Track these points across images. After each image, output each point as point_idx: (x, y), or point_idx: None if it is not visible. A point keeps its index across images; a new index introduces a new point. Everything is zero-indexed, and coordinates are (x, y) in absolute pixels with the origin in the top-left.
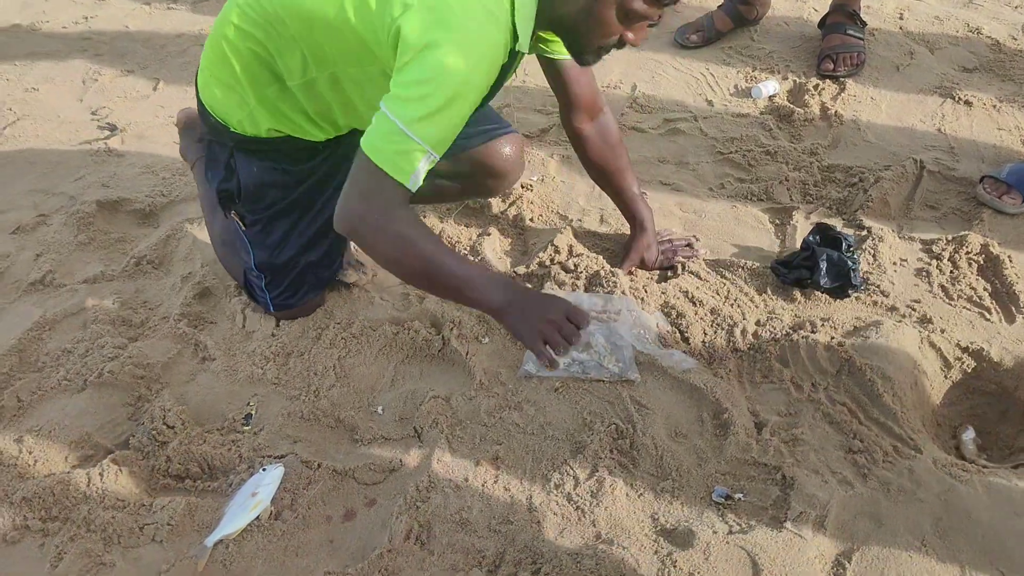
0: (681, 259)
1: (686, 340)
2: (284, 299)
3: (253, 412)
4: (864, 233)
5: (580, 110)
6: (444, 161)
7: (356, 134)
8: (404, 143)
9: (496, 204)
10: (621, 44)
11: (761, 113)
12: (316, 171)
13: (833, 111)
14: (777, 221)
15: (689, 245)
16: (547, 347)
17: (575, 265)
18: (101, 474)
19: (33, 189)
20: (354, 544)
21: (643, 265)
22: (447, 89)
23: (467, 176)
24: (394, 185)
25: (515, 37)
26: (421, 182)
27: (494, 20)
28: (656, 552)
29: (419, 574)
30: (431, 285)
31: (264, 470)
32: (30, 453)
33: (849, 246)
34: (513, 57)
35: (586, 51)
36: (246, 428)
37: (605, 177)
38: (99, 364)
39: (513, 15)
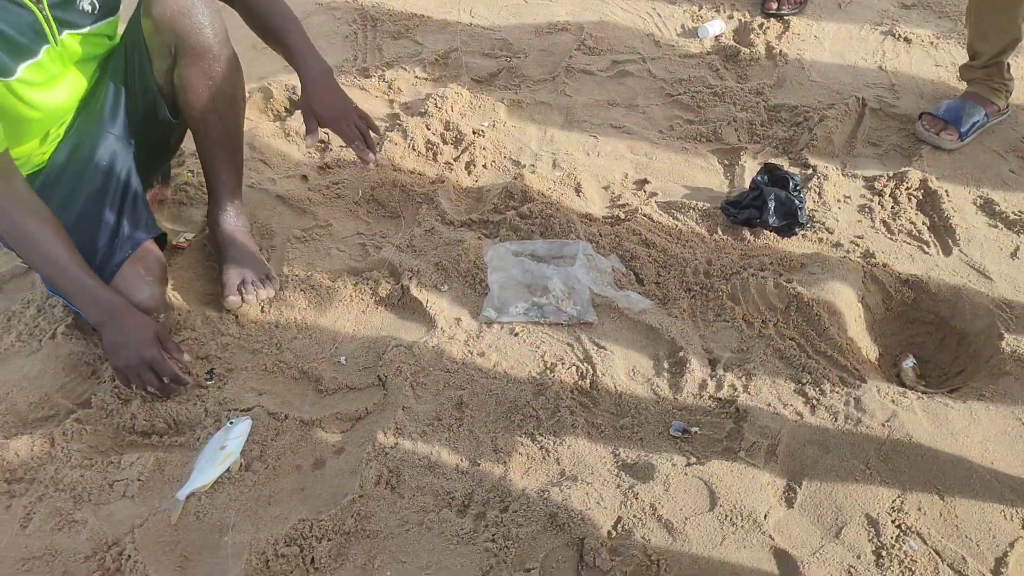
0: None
1: (640, 281)
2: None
3: (216, 367)
4: (809, 172)
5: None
6: (152, 57)
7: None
8: None
9: (448, 151)
10: None
11: (708, 53)
12: None
13: (778, 50)
14: (726, 162)
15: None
16: (127, 384)
17: (530, 211)
18: (65, 434)
19: None
20: (325, 491)
21: (320, 120)
22: None
23: (167, 48)
24: None
25: None
26: None
27: None
28: (618, 486)
29: (391, 517)
30: (45, 279)
31: (231, 423)
32: None
33: (796, 185)
34: None
35: None
36: (210, 383)
37: (266, 38)
38: (52, 324)
39: None
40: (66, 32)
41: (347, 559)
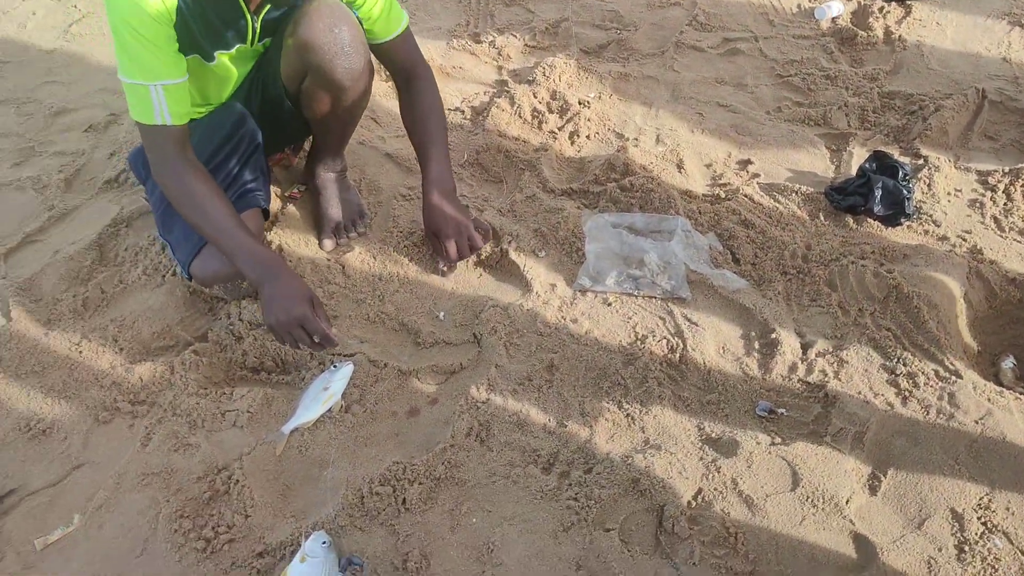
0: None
1: (737, 261)
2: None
3: None
4: (920, 162)
5: (396, 76)
6: (283, 63)
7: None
8: (128, 90)
9: (553, 120)
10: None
11: (823, 35)
12: None
13: (897, 35)
14: (833, 147)
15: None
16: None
17: (631, 184)
18: (184, 363)
19: (103, 88)
20: (419, 438)
21: (437, 238)
22: (116, 35)
23: (304, 67)
24: (152, 130)
25: None
26: (170, 113)
27: None
28: (701, 458)
29: (479, 468)
30: (211, 243)
31: (335, 367)
32: (115, 341)
33: (905, 175)
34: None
35: None
36: None
37: (412, 140)
38: (175, 262)
39: None
40: (264, 40)
41: (436, 503)
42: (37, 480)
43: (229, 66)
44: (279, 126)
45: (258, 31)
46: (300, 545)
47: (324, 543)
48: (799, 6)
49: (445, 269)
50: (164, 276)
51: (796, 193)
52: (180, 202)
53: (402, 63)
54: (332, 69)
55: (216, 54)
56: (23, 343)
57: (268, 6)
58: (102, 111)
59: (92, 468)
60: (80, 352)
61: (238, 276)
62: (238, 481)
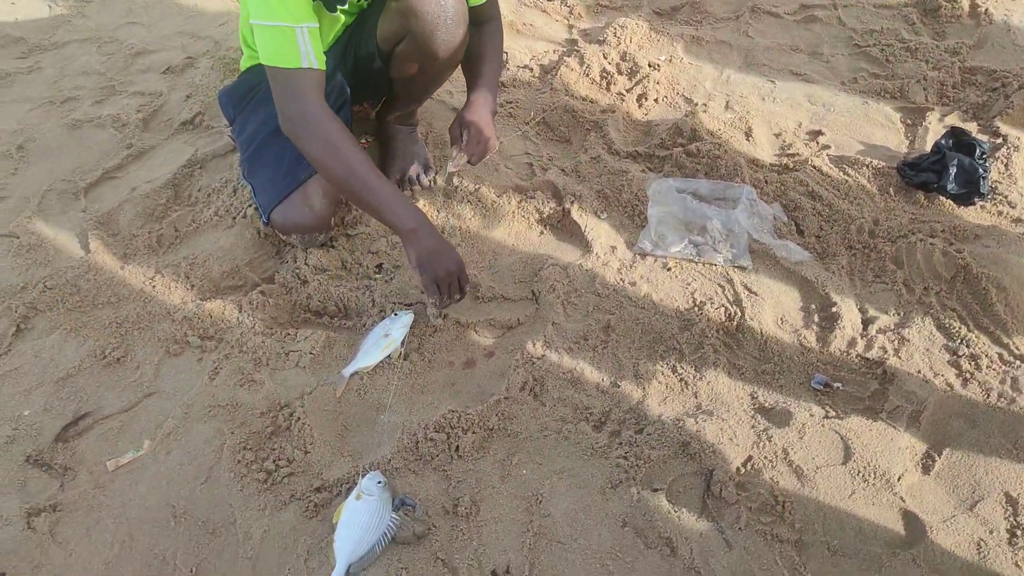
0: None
1: (801, 233)
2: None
3: (384, 262)
4: (999, 141)
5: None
6: (382, 22)
7: None
8: (269, 34)
9: (622, 82)
10: None
11: (905, 5)
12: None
13: (983, 9)
14: (909, 121)
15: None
16: (438, 292)
17: (697, 150)
18: (251, 303)
19: (181, 32)
20: (474, 389)
21: (466, 127)
22: None
23: (403, 32)
24: (296, 75)
25: None
26: (315, 57)
27: None
28: (753, 427)
29: (532, 421)
30: (350, 195)
31: (395, 315)
32: (187, 278)
33: (983, 153)
34: None
35: None
36: (378, 276)
37: (465, 63)
38: (245, 205)
39: None
40: None
41: (488, 452)
42: (110, 405)
43: (340, 16)
44: (366, 81)
45: None
46: (356, 483)
47: (379, 483)
48: None
49: (455, 164)
50: (235, 218)
51: (867, 167)
52: (322, 154)
53: (484, 18)
54: (432, 39)
55: (337, 7)
56: (100, 275)
57: None
58: (180, 54)
59: (162, 397)
60: (153, 286)
61: (316, 229)
62: (299, 419)
